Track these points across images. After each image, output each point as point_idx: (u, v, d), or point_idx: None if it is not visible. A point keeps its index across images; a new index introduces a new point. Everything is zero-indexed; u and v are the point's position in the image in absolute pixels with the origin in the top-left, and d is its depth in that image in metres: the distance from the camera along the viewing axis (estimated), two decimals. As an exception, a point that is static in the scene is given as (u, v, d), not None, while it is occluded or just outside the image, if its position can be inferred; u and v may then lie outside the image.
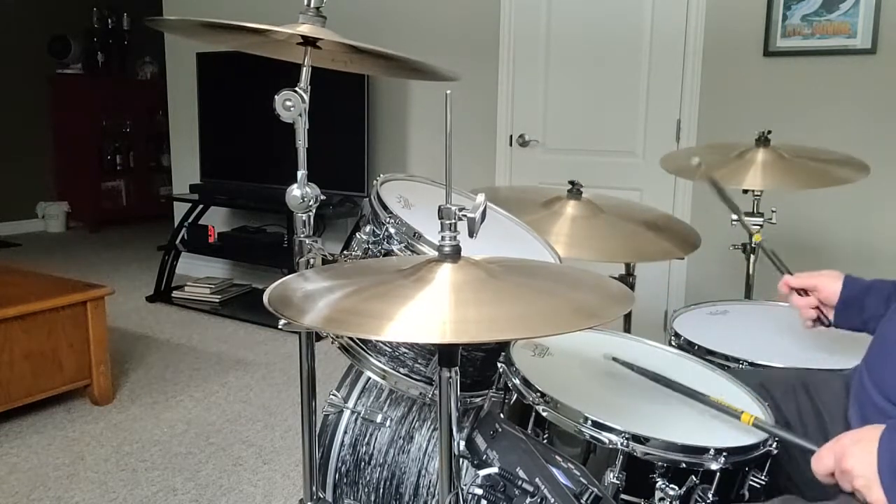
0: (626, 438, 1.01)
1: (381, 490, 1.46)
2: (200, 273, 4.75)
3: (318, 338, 1.47)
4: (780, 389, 1.25)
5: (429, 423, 1.46)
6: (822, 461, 0.95)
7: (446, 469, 0.98)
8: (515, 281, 0.95)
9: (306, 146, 1.23)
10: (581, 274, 1.03)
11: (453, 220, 0.92)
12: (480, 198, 0.92)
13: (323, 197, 1.27)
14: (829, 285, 1.35)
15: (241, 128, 4.35)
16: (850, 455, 0.91)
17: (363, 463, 1.48)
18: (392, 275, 0.93)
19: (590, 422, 1.04)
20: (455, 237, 0.93)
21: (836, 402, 1.19)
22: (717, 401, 1.11)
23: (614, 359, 1.27)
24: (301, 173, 1.24)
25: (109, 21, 6.71)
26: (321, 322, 0.83)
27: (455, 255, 0.93)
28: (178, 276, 4.50)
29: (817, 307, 1.38)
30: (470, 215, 0.91)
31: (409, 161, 4.04)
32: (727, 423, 1.13)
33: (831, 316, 1.36)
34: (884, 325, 1.18)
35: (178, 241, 4.40)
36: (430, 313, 0.83)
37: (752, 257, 2.16)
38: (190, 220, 4.42)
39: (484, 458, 1.03)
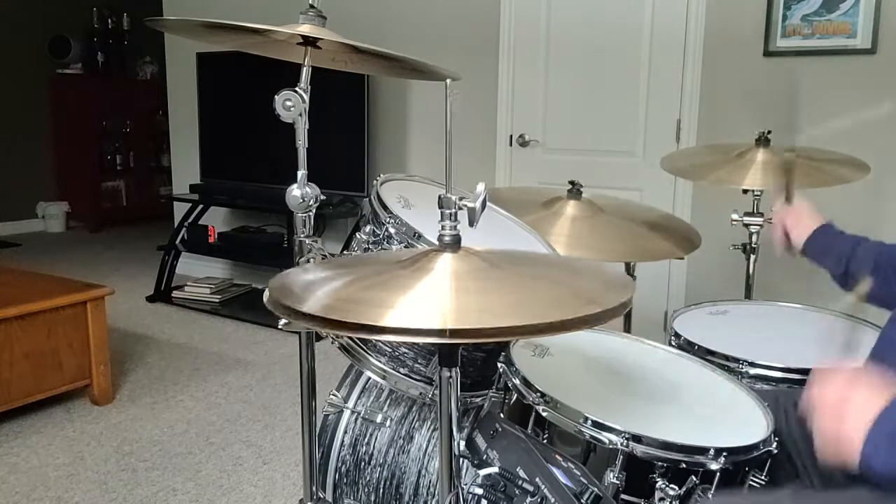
0: (626, 438, 1.01)
1: (381, 490, 1.46)
2: (200, 273, 4.75)
3: (318, 338, 1.47)
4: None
5: (429, 423, 1.46)
6: (830, 386, 0.89)
7: (446, 469, 0.98)
8: (515, 270, 0.94)
9: (306, 146, 1.24)
10: (581, 263, 1.02)
11: (454, 210, 0.92)
12: (480, 186, 0.91)
13: (323, 197, 1.27)
14: (800, 236, 1.56)
15: (241, 128, 4.35)
16: (857, 395, 0.87)
17: (363, 463, 1.48)
18: (392, 265, 0.93)
19: (590, 422, 1.04)
20: (455, 227, 0.93)
21: None
22: None
23: None
24: (301, 173, 1.24)
25: (109, 21, 6.71)
26: (320, 310, 0.80)
27: (455, 244, 0.92)
28: (178, 276, 4.50)
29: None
30: (470, 205, 0.91)
31: (409, 161, 4.04)
32: (727, 423, 1.13)
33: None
34: (888, 325, 1.18)
35: (178, 241, 4.40)
36: (430, 301, 0.82)
37: (753, 257, 2.16)
38: (190, 220, 4.42)
39: (484, 457, 1.03)
